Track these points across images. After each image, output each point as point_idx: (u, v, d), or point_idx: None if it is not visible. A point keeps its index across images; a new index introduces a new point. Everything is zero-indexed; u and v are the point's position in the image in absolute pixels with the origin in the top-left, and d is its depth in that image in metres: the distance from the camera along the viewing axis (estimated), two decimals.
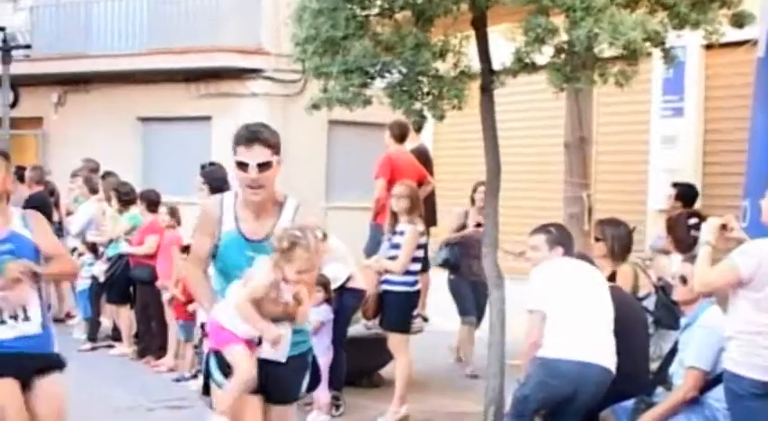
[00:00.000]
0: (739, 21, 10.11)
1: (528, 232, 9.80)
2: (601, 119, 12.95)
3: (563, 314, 8.55)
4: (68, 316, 17.80)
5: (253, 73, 23.53)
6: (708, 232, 7.84)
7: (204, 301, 7.18)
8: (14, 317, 7.14)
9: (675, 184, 12.23)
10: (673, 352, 9.00)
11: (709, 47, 12.59)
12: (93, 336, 16.13)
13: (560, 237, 9.20)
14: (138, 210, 15.00)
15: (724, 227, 7.68)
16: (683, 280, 8.55)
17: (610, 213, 11.27)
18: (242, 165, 6.65)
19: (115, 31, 25.24)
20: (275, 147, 6.84)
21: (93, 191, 16.91)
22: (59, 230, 17.31)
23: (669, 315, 9.54)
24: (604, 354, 8.68)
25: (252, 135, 6.77)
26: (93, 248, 15.97)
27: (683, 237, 9.83)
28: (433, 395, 12.52)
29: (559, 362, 8.57)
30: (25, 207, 17.17)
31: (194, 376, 12.93)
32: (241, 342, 6.75)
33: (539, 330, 8.77)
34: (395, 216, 11.82)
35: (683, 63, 13.23)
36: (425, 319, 13.93)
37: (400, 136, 13.75)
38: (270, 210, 6.92)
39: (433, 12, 10.07)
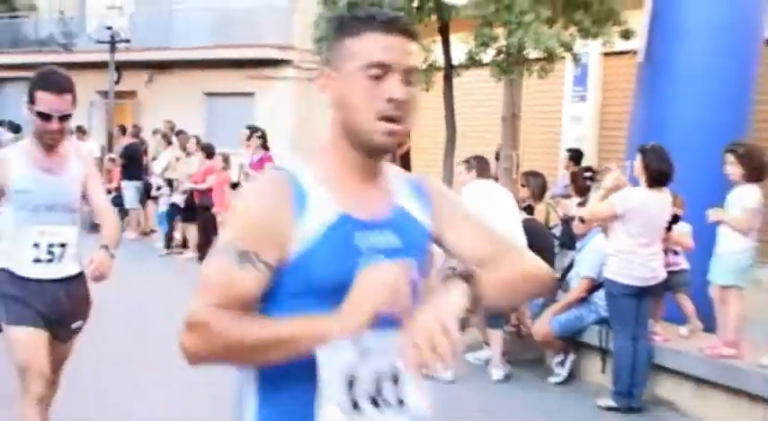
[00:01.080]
0: (626, 35, 10.19)
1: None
2: (528, 101, 13.00)
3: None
4: (152, 231, 17.88)
5: (285, 63, 23.52)
6: (607, 181, 8.05)
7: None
8: None
9: (568, 150, 12.32)
10: (570, 266, 9.16)
11: (606, 54, 12.67)
12: (168, 246, 16.37)
13: (475, 163, 9.11)
14: (197, 157, 15.15)
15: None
16: (581, 220, 8.70)
17: (532, 168, 11.36)
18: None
19: (189, 30, 25.28)
20: None
21: (169, 143, 17.09)
22: (146, 171, 17.57)
23: (569, 240, 9.63)
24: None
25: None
26: (169, 183, 16.11)
27: (581, 185, 9.94)
28: None
29: None
30: (123, 153, 17.54)
31: None
32: None
33: None
34: None
35: (587, 64, 13.28)
36: None
37: None
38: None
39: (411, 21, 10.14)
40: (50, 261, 4.97)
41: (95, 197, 5.25)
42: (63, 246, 5.02)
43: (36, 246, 4.92)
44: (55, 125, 4.83)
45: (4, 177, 4.93)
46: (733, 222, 7.47)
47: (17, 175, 4.91)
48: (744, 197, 7.51)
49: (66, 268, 5.06)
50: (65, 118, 4.89)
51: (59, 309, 5.02)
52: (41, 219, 4.94)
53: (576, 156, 12.05)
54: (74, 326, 5.21)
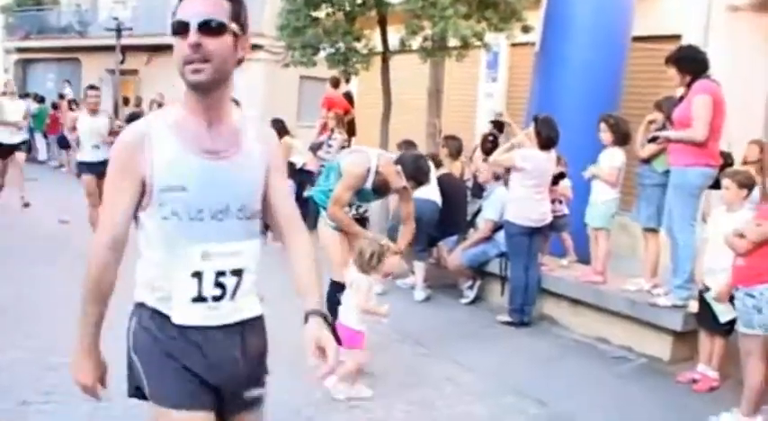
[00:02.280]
0: (526, 30, 10.24)
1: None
2: (449, 80, 12.99)
3: None
4: None
5: (258, 47, 23.26)
6: (519, 138, 8.16)
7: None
8: None
9: (492, 122, 12.29)
10: (478, 211, 9.24)
11: (512, 44, 12.68)
12: None
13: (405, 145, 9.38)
14: None
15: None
16: (495, 176, 8.81)
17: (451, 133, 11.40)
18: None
19: None
20: None
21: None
22: None
23: (478, 191, 9.69)
24: (433, 194, 8.86)
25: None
26: None
27: (487, 147, 9.93)
28: None
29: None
30: (128, 119, 17.25)
31: None
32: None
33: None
34: (331, 130, 11.92)
35: (498, 52, 13.31)
36: None
37: (335, 84, 13.77)
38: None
39: (355, 14, 10.13)
40: (220, 298, 2.55)
41: (280, 199, 2.74)
42: (238, 274, 2.56)
43: (197, 276, 2.50)
44: (193, 39, 2.51)
45: (143, 167, 2.48)
46: (605, 176, 7.61)
47: (164, 162, 2.48)
48: (612, 157, 7.64)
49: (243, 309, 2.63)
50: (211, 31, 2.51)
51: (231, 370, 2.61)
52: (206, 234, 2.51)
53: (496, 125, 12.10)
54: (249, 395, 2.70)
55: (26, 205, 13.01)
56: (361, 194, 6.41)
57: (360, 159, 6.32)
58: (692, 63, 6.76)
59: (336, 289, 6.08)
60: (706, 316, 6.27)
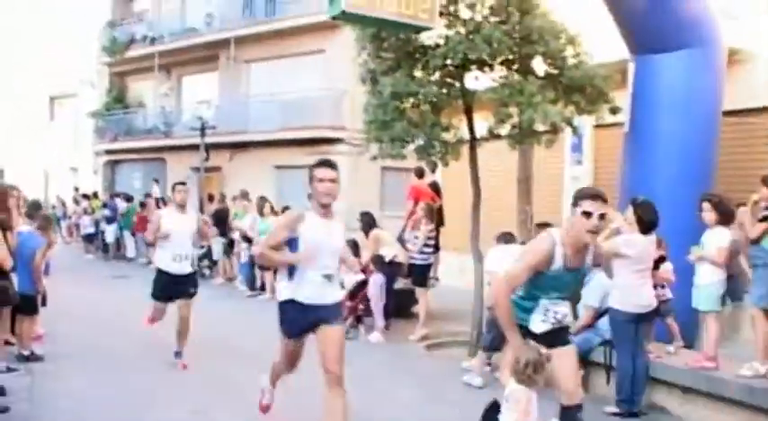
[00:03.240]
0: (614, 111, 10.13)
1: (497, 231, 9.91)
2: (536, 166, 12.92)
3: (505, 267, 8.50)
4: (234, 278, 17.86)
5: (338, 140, 23.65)
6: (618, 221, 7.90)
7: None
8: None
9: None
10: (579, 299, 9.03)
11: (597, 126, 12.58)
12: (252, 287, 16.29)
13: (504, 237, 9.36)
14: (274, 218, 15.13)
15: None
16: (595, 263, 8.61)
17: (542, 220, 11.26)
18: (587, 214, 4.82)
19: (261, 117, 25.51)
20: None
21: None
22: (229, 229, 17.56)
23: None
24: None
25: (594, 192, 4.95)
26: (246, 239, 16.12)
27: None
28: (442, 322, 12.49)
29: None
30: (214, 215, 17.59)
31: None
32: None
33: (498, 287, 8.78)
34: (419, 220, 11.95)
35: (583, 134, 13.21)
36: (437, 279, 13.99)
37: (420, 174, 13.80)
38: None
39: (442, 105, 10.16)
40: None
41: None
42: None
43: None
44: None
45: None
46: (713, 258, 7.40)
47: None
48: (719, 238, 7.43)
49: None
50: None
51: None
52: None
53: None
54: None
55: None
56: (557, 283, 5.29)
57: (542, 236, 5.35)
58: None
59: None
60: None
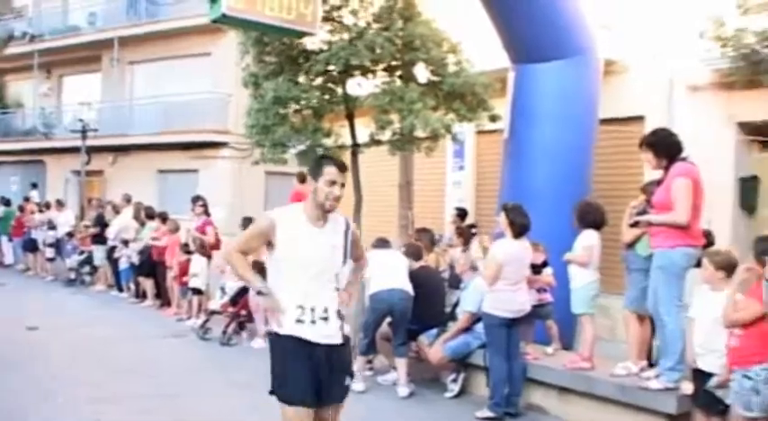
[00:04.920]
0: (494, 118, 10.29)
1: (379, 236, 9.91)
2: (418, 171, 13.03)
3: (379, 272, 8.56)
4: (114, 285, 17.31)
5: (223, 144, 23.36)
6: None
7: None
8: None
9: (456, 209, 12.39)
10: (457, 302, 9.12)
11: (478, 132, 12.77)
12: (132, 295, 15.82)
13: (380, 243, 9.24)
14: (156, 222, 14.78)
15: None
16: (472, 267, 8.74)
17: (423, 225, 11.36)
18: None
19: (144, 120, 24.99)
20: None
21: (117, 212, 16.82)
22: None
23: (455, 281, 9.61)
24: (402, 284, 8.72)
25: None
26: (124, 243, 15.68)
27: (467, 238, 9.91)
28: None
29: (378, 292, 8.64)
30: (95, 221, 17.05)
31: (189, 318, 12.83)
32: None
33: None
34: None
35: (464, 141, 13.39)
36: None
37: (302, 180, 13.67)
38: None
39: (323, 110, 10.13)
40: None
41: None
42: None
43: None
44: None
45: None
46: (577, 258, 7.58)
47: None
48: (583, 239, 7.63)
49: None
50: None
51: None
52: None
53: (462, 213, 12.16)
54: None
55: None
56: None
57: None
58: (667, 146, 6.77)
59: None
60: (701, 396, 6.12)
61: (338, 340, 4.57)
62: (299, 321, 4.44)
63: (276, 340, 4.59)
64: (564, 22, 9.95)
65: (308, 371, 4.47)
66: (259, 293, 4.63)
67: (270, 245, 4.53)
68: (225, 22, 8.66)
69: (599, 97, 10.43)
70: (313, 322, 4.46)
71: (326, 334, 4.51)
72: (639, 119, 11.75)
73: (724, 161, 11.26)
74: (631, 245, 7.40)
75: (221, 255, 4.88)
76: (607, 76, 11.07)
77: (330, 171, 4.50)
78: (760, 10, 6.65)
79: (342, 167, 4.60)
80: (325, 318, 4.50)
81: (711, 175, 10.28)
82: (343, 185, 4.54)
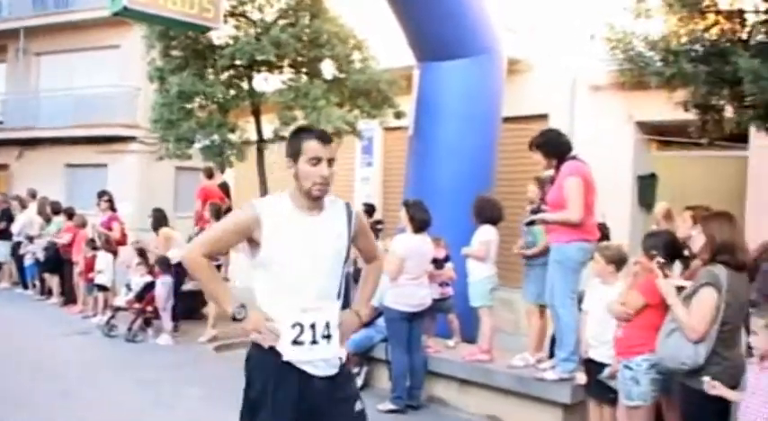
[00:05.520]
0: (399, 115, 10.39)
1: None
2: None
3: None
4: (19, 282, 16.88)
5: (132, 139, 22.99)
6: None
7: None
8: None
9: (364, 204, 12.46)
10: None
11: (386, 128, 12.84)
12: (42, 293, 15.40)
13: None
14: (62, 218, 14.48)
15: None
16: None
17: None
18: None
19: (52, 114, 24.37)
20: None
21: (24, 207, 16.34)
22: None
23: (358, 276, 9.65)
24: None
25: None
26: (30, 239, 15.31)
27: (374, 233, 9.95)
28: (233, 324, 12.34)
29: None
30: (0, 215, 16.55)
31: (94, 315, 12.62)
32: None
33: None
34: (208, 221, 11.72)
35: (372, 137, 13.46)
36: (227, 280, 13.80)
37: (209, 175, 13.58)
38: None
39: (229, 106, 10.09)
40: None
41: None
42: None
43: None
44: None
45: None
46: (474, 253, 7.71)
47: None
48: (480, 233, 7.76)
49: None
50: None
51: None
52: None
53: (369, 209, 12.22)
54: None
55: None
56: None
57: None
58: (555, 146, 6.93)
59: None
60: (593, 386, 6.30)
61: (340, 362, 3.67)
62: (296, 343, 3.51)
63: (259, 355, 3.65)
64: (469, 21, 10.08)
65: (301, 402, 3.56)
66: (234, 319, 3.66)
67: (252, 244, 3.60)
68: (126, 15, 8.58)
69: (503, 96, 10.60)
70: (314, 343, 3.54)
71: (328, 357, 3.59)
72: (543, 117, 12.00)
73: (623, 159, 11.59)
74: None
75: (182, 258, 3.87)
76: (511, 74, 11.26)
77: (311, 146, 3.57)
78: (650, 14, 6.87)
79: (324, 138, 3.64)
80: (328, 337, 3.56)
81: (611, 173, 10.70)
82: (331, 161, 3.60)
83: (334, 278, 3.66)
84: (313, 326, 3.54)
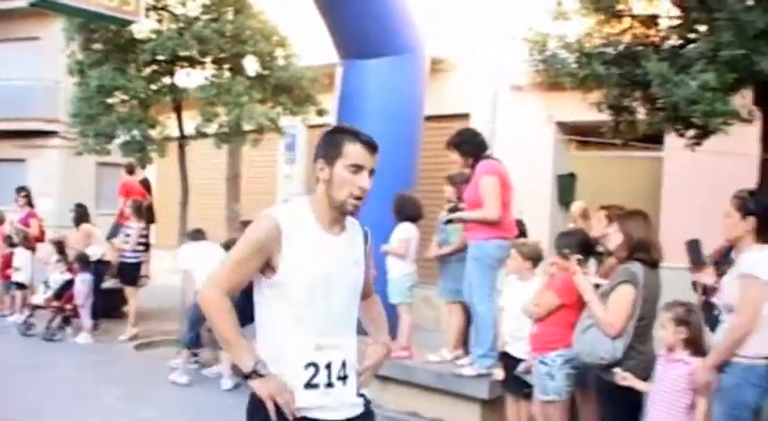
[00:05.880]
0: (321, 112, 10.38)
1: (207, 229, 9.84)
2: (248, 163, 13.00)
3: (207, 265, 8.50)
4: None
5: (53, 133, 22.49)
6: None
7: None
8: None
9: (285, 201, 12.47)
10: None
11: (310, 126, 12.81)
12: None
13: (193, 234, 9.31)
14: None
15: None
16: None
17: (251, 218, 11.32)
18: None
19: None
20: None
21: None
22: None
23: None
24: None
25: None
26: None
27: None
28: (154, 321, 12.25)
29: None
30: None
31: (11, 313, 12.32)
32: None
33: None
34: (128, 217, 11.58)
35: (296, 135, 13.42)
36: (148, 278, 13.64)
37: (130, 171, 13.34)
38: None
39: (150, 101, 9.96)
40: None
41: None
42: None
43: None
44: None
45: None
46: (393, 250, 7.76)
47: None
48: (399, 231, 7.82)
49: None
50: None
51: None
52: None
53: None
54: None
55: None
56: None
57: None
58: (471, 146, 7.04)
59: None
60: (510, 382, 6.39)
61: (359, 409, 3.16)
62: (309, 386, 2.98)
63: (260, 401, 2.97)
64: (392, 20, 10.10)
65: None
66: (249, 377, 2.96)
67: (267, 264, 3.00)
68: (44, 6, 8.41)
69: (425, 94, 10.65)
70: (329, 386, 3.01)
71: (346, 402, 3.08)
72: (464, 117, 12.08)
73: (544, 159, 11.76)
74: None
75: (198, 298, 3.02)
76: (434, 73, 11.32)
77: (355, 151, 3.08)
78: (568, 17, 7.00)
79: (372, 145, 3.16)
80: (344, 378, 3.05)
81: (532, 172, 10.87)
82: (372, 173, 3.13)
83: (353, 309, 3.18)
84: (329, 367, 3.00)
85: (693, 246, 6.64)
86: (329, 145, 3.11)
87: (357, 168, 3.04)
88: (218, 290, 2.99)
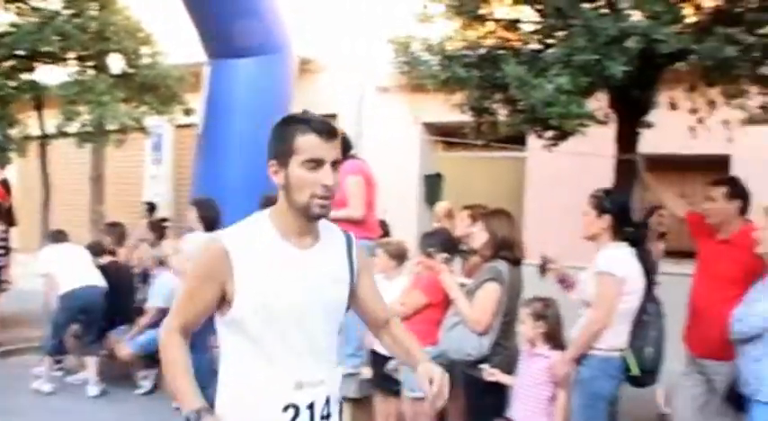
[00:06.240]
0: (188, 112, 10.23)
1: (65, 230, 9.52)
2: (114, 164, 12.68)
3: (68, 268, 8.41)
4: None
5: None
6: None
7: None
8: None
9: (146, 203, 12.24)
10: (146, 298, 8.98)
11: (177, 126, 12.60)
12: None
13: (53, 236, 9.04)
14: None
15: None
16: (160, 262, 8.61)
17: (119, 219, 11.03)
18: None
19: None
20: None
21: None
22: None
23: (145, 277, 9.43)
24: (96, 279, 8.52)
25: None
26: None
27: (160, 232, 9.72)
28: (17, 328, 11.75)
29: (72, 290, 8.33)
30: None
31: None
32: None
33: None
34: None
35: (162, 135, 13.19)
36: (9, 283, 13.10)
37: None
38: None
39: (9, 98, 9.61)
40: None
41: None
42: None
43: None
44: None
45: None
46: None
47: None
48: None
49: None
50: None
51: None
52: None
53: (151, 208, 11.98)
54: None
55: None
56: None
57: None
58: None
59: None
60: (379, 379, 6.43)
61: None
62: None
63: None
64: (261, 20, 10.02)
65: None
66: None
67: (223, 297, 2.57)
68: None
69: (293, 95, 10.63)
70: None
71: None
72: (332, 117, 12.10)
73: (410, 159, 11.93)
74: None
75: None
76: (302, 74, 11.33)
77: (308, 143, 2.50)
78: (433, 20, 7.11)
79: (327, 130, 2.54)
80: (328, 417, 2.62)
81: (399, 172, 10.99)
82: (336, 164, 2.57)
83: (334, 335, 2.70)
84: (311, 407, 2.56)
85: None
86: (278, 141, 2.55)
87: (315, 163, 2.49)
88: (173, 325, 2.66)
